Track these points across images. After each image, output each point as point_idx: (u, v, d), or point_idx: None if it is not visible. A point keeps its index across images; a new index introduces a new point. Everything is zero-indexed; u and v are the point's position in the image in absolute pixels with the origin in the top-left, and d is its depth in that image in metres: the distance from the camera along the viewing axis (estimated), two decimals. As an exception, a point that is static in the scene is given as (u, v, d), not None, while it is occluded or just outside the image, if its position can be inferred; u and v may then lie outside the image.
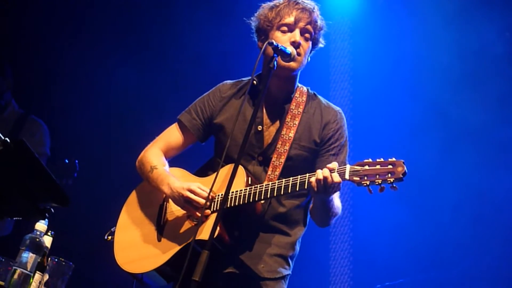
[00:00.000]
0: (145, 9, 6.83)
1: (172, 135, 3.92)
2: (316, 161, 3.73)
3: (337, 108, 3.85)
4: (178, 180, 3.69)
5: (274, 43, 3.53)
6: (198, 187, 3.58)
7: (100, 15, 6.66)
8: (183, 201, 3.60)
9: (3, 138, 2.76)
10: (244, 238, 3.63)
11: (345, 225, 6.40)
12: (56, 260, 3.53)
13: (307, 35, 3.70)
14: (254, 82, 3.77)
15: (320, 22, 3.75)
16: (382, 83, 6.41)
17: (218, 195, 3.59)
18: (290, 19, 3.68)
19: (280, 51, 3.54)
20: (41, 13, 6.58)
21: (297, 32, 3.68)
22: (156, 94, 6.68)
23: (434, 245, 6.07)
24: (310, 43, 3.73)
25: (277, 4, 3.75)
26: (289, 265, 3.74)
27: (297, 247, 3.79)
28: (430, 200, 6.10)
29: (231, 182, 3.23)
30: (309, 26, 3.70)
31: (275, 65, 3.52)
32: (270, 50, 3.57)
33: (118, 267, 3.77)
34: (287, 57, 3.59)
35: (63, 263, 3.55)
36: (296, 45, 3.65)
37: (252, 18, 3.83)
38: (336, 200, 3.64)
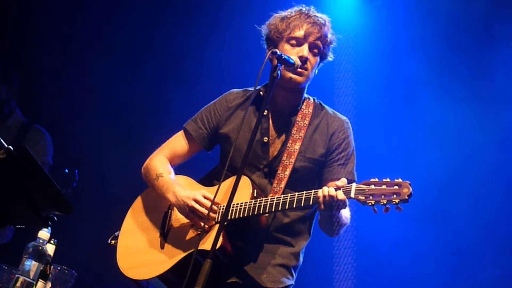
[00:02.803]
0: (149, 15, 6.83)
1: (178, 143, 3.93)
2: (324, 171, 3.73)
3: (344, 118, 3.85)
4: (184, 189, 3.69)
5: (278, 52, 3.52)
6: (204, 196, 3.59)
7: (105, 24, 6.66)
8: (188, 210, 3.60)
9: (6, 146, 2.76)
10: (248, 248, 3.63)
11: (348, 237, 6.38)
12: (59, 268, 3.54)
13: (315, 50, 3.70)
14: (261, 93, 3.79)
15: (330, 37, 3.74)
16: (385, 94, 6.41)
17: (223, 206, 3.58)
18: (300, 33, 3.67)
19: (283, 61, 3.54)
20: (47, 22, 6.59)
21: (305, 47, 3.67)
22: (159, 101, 6.67)
23: (438, 256, 6.05)
24: (318, 58, 3.73)
25: (288, 15, 3.74)
26: (292, 275, 3.74)
27: (301, 258, 3.78)
28: (434, 210, 6.08)
29: (233, 194, 3.22)
30: (318, 42, 3.69)
31: (279, 75, 3.52)
32: (274, 59, 3.57)
33: (120, 273, 3.76)
34: (291, 66, 3.59)
35: (66, 271, 3.56)
36: (303, 60, 3.65)
37: (262, 26, 3.83)
38: (345, 210, 3.61)
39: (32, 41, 6.58)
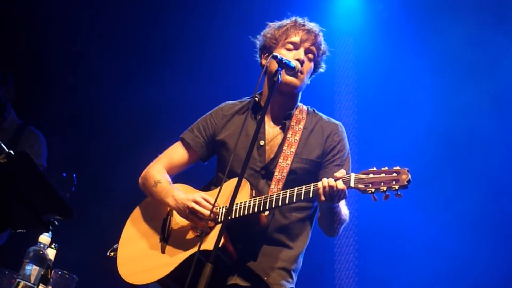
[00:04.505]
0: (149, 16, 6.82)
1: (175, 153, 3.96)
2: (320, 173, 3.76)
3: (338, 122, 3.94)
4: (182, 193, 3.71)
5: (279, 56, 3.62)
6: (203, 197, 3.61)
7: (105, 25, 6.65)
8: (188, 212, 3.62)
9: (7, 150, 2.76)
10: (248, 250, 3.65)
11: (350, 237, 6.38)
12: (60, 272, 3.54)
13: (310, 55, 3.82)
14: (256, 98, 3.86)
15: (323, 47, 3.88)
16: (386, 98, 6.42)
17: (223, 207, 3.61)
18: (296, 38, 3.80)
19: (284, 65, 3.62)
20: (45, 23, 6.58)
21: (301, 50, 3.79)
22: (158, 109, 6.66)
23: (440, 257, 6.05)
24: (312, 64, 3.84)
25: (285, 24, 3.87)
26: (292, 278, 3.75)
27: (300, 261, 3.80)
28: (436, 209, 6.09)
29: (236, 193, 3.25)
30: (313, 48, 3.82)
31: (279, 79, 3.60)
32: (274, 64, 3.65)
33: (121, 280, 3.75)
34: (291, 70, 3.67)
35: (67, 276, 3.56)
36: (300, 62, 3.74)
37: (257, 36, 3.94)
38: (343, 207, 3.67)
39: (29, 42, 6.57)
